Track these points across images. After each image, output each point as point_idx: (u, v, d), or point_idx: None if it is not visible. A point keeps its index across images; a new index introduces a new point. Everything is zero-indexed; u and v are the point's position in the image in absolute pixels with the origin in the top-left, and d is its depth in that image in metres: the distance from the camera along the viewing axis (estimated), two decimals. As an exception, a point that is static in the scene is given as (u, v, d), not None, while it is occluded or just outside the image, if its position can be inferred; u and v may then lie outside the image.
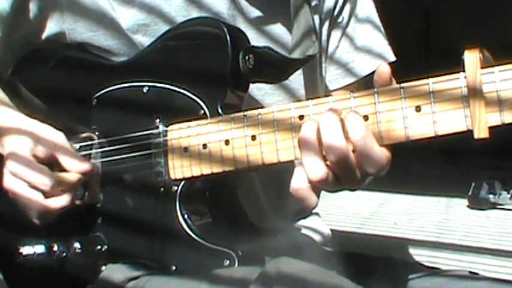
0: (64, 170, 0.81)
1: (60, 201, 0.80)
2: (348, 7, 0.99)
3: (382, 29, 1.02)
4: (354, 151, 0.65)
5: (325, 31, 0.98)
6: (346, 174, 0.66)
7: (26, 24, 0.88)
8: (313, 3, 0.94)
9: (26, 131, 0.81)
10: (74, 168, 0.81)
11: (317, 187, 0.67)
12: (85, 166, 0.81)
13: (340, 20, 0.99)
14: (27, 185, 0.78)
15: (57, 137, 0.81)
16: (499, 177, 3.27)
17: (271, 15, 0.92)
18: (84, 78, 0.88)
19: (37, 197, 0.78)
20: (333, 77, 1.00)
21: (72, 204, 0.81)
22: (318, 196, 0.69)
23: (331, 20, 0.98)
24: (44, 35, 0.90)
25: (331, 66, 1.00)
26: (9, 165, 0.79)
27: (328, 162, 0.66)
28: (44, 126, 0.82)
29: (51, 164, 0.80)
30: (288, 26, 0.92)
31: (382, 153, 0.65)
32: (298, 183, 0.67)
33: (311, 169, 0.66)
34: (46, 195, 0.79)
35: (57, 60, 0.90)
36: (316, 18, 0.96)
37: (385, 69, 0.66)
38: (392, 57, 1.00)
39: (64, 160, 0.81)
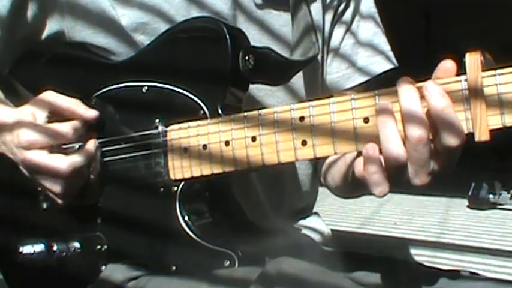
0: None
1: (82, 154, 0.82)
2: (351, 5, 0.99)
3: (384, 34, 1.03)
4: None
5: (327, 27, 0.98)
6: (421, 158, 0.63)
7: (26, 24, 0.88)
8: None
9: (24, 119, 0.81)
10: (80, 113, 0.82)
11: (390, 170, 0.64)
12: (91, 113, 0.83)
13: (344, 16, 0.99)
14: (47, 152, 0.80)
15: (48, 98, 0.82)
16: (499, 177, 3.28)
17: (274, 14, 0.92)
18: (83, 77, 0.88)
19: (60, 158, 0.80)
20: (339, 77, 1.00)
21: (96, 152, 0.83)
22: (391, 183, 0.66)
23: (334, 14, 0.98)
24: (44, 34, 0.90)
25: (338, 65, 1.00)
26: (23, 135, 0.80)
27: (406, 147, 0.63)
28: (34, 102, 0.83)
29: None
30: (290, 26, 0.92)
31: (460, 121, 0.62)
32: (373, 167, 0.65)
33: (390, 147, 0.63)
34: (68, 152, 0.81)
35: (54, 59, 0.90)
36: (319, 14, 0.96)
37: (450, 65, 0.64)
38: (396, 63, 1.01)
39: (68, 109, 0.82)
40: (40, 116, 0.81)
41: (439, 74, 0.64)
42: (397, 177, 0.65)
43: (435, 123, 0.62)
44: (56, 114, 0.82)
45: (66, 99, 0.83)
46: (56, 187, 0.81)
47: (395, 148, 0.63)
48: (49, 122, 0.81)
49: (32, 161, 0.80)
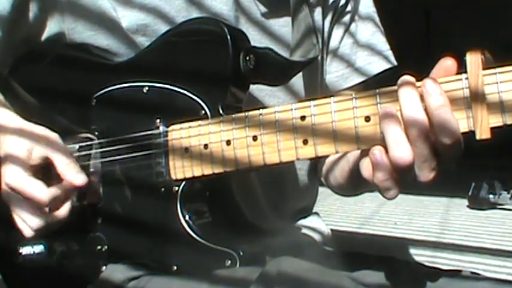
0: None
1: (57, 215, 0.79)
2: (350, 7, 0.99)
3: (384, 34, 1.03)
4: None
5: (326, 28, 0.98)
6: (422, 153, 0.63)
7: (26, 24, 0.88)
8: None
9: (23, 132, 0.80)
10: (69, 178, 0.79)
11: (399, 173, 0.64)
12: (80, 180, 0.80)
13: (343, 18, 0.99)
14: (23, 199, 0.77)
15: (53, 140, 0.80)
16: (499, 177, 3.27)
17: (275, 16, 0.92)
18: (84, 78, 0.88)
19: (34, 213, 0.78)
20: (338, 77, 1.00)
21: (69, 213, 0.80)
22: (400, 185, 0.65)
23: (333, 15, 0.98)
24: (44, 35, 0.89)
25: (337, 65, 1.00)
26: (7, 178, 0.78)
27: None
28: (40, 128, 0.81)
29: (47, 167, 0.80)
30: (290, 27, 0.92)
31: (457, 121, 0.62)
32: (383, 174, 0.64)
33: (397, 150, 0.63)
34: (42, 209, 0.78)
35: (55, 60, 0.90)
36: (319, 13, 0.96)
37: (450, 63, 0.64)
38: (395, 62, 1.01)
39: (60, 168, 0.80)
40: (37, 153, 0.79)
41: (439, 72, 0.64)
42: (405, 177, 0.65)
43: (431, 121, 0.62)
44: (49, 163, 0.80)
45: (62, 157, 0.80)
46: (30, 218, 0.79)
47: (403, 151, 0.63)
48: (40, 165, 0.79)
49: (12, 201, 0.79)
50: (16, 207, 0.79)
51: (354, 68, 1.00)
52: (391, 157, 0.63)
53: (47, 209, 0.78)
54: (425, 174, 0.64)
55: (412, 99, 0.63)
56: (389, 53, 1.01)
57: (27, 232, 0.80)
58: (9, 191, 0.78)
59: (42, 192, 0.77)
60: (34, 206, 0.78)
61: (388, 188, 0.65)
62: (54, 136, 0.81)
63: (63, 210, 0.80)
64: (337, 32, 1.00)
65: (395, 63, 1.01)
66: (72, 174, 0.80)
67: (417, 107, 0.62)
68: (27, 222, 0.79)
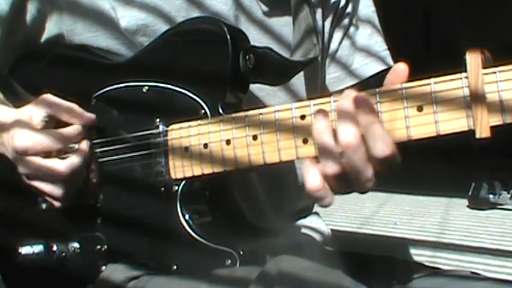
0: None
1: (79, 155, 0.81)
2: (350, 8, 0.99)
3: (382, 34, 1.02)
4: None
5: (327, 29, 0.98)
6: (353, 165, 0.64)
7: (24, 26, 0.88)
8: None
9: (22, 121, 0.81)
10: (75, 120, 0.82)
11: (332, 184, 0.65)
12: (85, 116, 0.83)
13: (343, 20, 0.99)
14: (41, 157, 0.79)
15: (45, 101, 0.82)
16: (499, 177, 3.27)
17: (275, 15, 0.92)
18: (83, 77, 0.88)
19: (58, 160, 0.80)
20: (335, 78, 1.00)
21: (91, 153, 0.84)
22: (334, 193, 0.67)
23: (333, 17, 0.98)
24: (44, 37, 0.89)
25: (334, 67, 1.00)
26: (17, 141, 0.79)
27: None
28: (33, 105, 0.82)
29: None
30: (291, 26, 0.92)
31: (389, 136, 0.63)
32: (315, 182, 0.66)
33: (327, 164, 0.64)
34: (64, 156, 0.81)
35: (55, 59, 0.90)
36: (319, 14, 0.96)
37: (403, 68, 0.65)
38: (391, 63, 1.01)
39: (62, 115, 0.82)
40: (37, 118, 0.81)
41: (391, 77, 0.65)
42: (338, 187, 0.66)
43: (364, 137, 0.63)
44: (54, 118, 0.82)
45: (64, 102, 0.83)
46: (55, 190, 0.81)
47: (329, 163, 0.64)
48: (46, 126, 0.81)
49: (29, 164, 0.80)
50: (39, 183, 0.81)
51: (350, 69, 1.00)
52: (320, 166, 0.65)
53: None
54: (362, 184, 0.65)
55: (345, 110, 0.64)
56: (386, 54, 1.01)
57: (58, 203, 0.82)
58: (26, 159, 0.80)
59: (52, 135, 0.80)
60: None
61: (322, 196, 0.66)
62: (46, 95, 0.82)
63: (70, 161, 0.81)
64: (337, 34, 1.00)
65: (391, 64, 1.01)
66: (81, 111, 0.83)
67: (350, 118, 0.63)
68: (52, 195, 0.81)
